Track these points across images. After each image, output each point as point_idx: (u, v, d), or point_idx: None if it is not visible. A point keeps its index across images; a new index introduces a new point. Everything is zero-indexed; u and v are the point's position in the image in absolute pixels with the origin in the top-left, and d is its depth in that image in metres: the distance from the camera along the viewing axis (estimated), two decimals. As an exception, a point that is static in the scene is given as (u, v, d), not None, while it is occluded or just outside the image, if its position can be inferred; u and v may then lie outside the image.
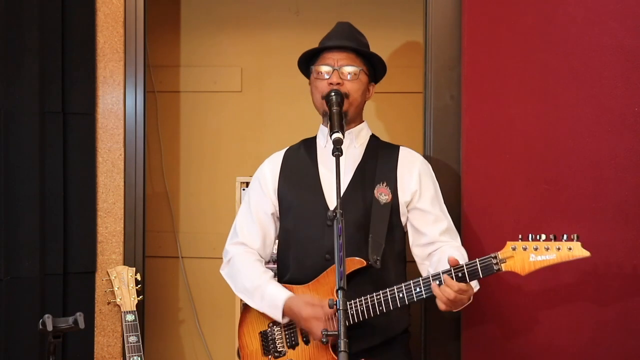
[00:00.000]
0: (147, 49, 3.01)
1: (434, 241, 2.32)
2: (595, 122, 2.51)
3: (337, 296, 1.87)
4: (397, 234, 2.34)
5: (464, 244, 2.40)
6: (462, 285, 2.06)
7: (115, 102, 2.94)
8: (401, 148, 2.44)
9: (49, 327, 1.85)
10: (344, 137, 2.16)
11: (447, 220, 2.36)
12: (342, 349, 1.79)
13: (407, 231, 2.39)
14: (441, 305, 2.10)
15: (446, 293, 2.06)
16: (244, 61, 3.82)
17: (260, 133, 3.82)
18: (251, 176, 3.26)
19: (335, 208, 1.98)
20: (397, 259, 2.36)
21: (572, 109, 2.54)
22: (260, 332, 2.36)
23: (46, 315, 1.86)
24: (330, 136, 2.16)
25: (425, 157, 2.76)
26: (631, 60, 2.47)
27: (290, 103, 3.75)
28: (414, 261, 2.43)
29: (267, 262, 2.50)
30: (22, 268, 2.77)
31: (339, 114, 2.23)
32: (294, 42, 3.76)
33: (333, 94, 2.26)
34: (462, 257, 2.25)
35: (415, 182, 2.34)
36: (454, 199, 2.54)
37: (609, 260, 2.46)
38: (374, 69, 2.43)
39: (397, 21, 3.63)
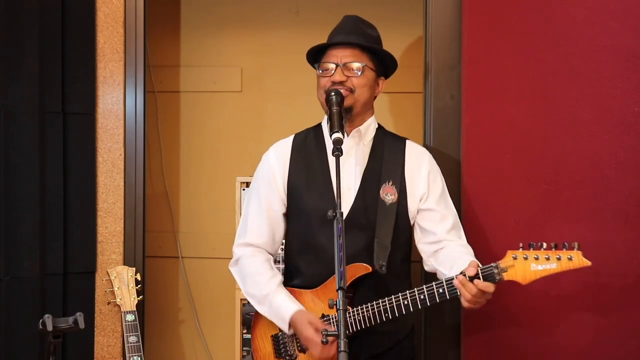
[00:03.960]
0: (147, 49, 3.01)
1: (441, 239, 2.31)
2: (595, 122, 2.51)
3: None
4: (403, 235, 2.33)
5: (464, 244, 2.40)
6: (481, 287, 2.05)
7: (115, 102, 2.93)
8: (407, 143, 2.41)
9: (49, 327, 1.85)
10: (344, 136, 2.15)
11: (452, 216, 2.36)
12: (342, 349, 1.79)
13: (413, 228, 2.37)
14: (465, 303, 2.09)
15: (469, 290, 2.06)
16: (244, 61, 3.82)
17: (260, 133, 3.81)
18: (251, 176, 3.26)
19: (335, 209, 1.97)
20: (403, 259, 2.35)
21: (572, 109, 2.54)
22: (272, 335, 2.35)
23: (46, 315, 1.86)
24: (330, 136, 2.15)
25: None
26: (631, 60, 2.47)
27: (290, 103, 3.75)
28: (415, 261, 2.43)
29: (275, 262, 2.48)
30: (22, 268, 2.77)
31: (339, 113, 2.21)
32: (294, 42, 3.77)
33: (333, 93, 2.24)
34: (469, 254, 2.26)
35: (424, 184, 2.33)
36: (454, 198, 2.53)
37: (609, 260, 2.46)
38: (383, 62, 2.39)
39: (397, 21, 3.63)
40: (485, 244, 2.57)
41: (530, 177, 2.57)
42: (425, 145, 2.82)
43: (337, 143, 2.10)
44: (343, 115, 2.23)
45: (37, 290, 2.78)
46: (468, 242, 2.37)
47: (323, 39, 2.41)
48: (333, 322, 2.23)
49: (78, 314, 1.89)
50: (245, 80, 3.83)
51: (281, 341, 2.33)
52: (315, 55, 2.39)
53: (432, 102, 2.78)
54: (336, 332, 1.85)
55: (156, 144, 3.79)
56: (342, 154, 2.09)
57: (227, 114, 3.83)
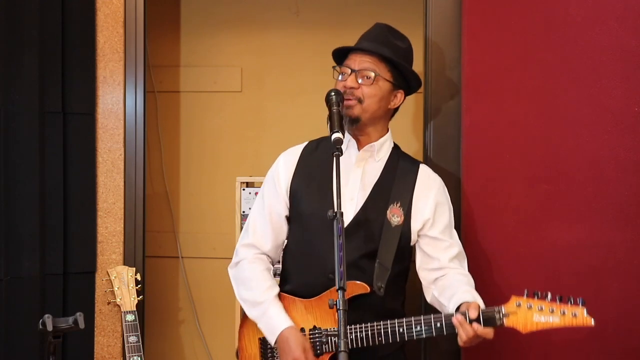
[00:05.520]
0: (147, 49, 3.02)
1: (443, 267, 2.29)
2: (595, 122, 2.51)
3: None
4: (403, 255, 2.31)
5: (464, 245, 2.39)
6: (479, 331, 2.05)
7: (115, 102, 2.94)
8: (421, 167, 2.38)
9: (49, 327, 1.85)
10: (344, 136, 2.14)
11: (457, 246, 2.33)
12: (342, 349, 1.79)
13: (414, 251, 2.35)
14: (460, 342, 2.08)
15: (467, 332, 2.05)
16: (244, 61, 3.82)
17: (260, 133, 3.82)
18: (251, 176, 3.26)
19: (336, 208, 1.97)
20: (399, 276, 2.34)
21: (572, 109, 2.54)
22: (260, 338, 2.33)
23: (46, 315, 1.86)
24: (330, 136, 2.14)
25: (425, 157, 2.76)
26: (631, 60, 2.47)
27: (290, 103, 3.75)
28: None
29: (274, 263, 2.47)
30: (22, 268, 2.77)
31: (339, 113, 2.19)
32: (293, 42, 3.76)
33: (333, 93, 2.22)
34: (469, 284, 2.25)
35: (430, 210, 2.30)
36: (454, 199, 2.53)
37: (609, 260, 2.46)
38: (404, 76, 2.34)
39: (397, 21, 3.60)
40: (485, 244, 2.57)
41: (530, 177, 2.57)
42: (425, 146, 2.82)
43: (337, 143, 2.09)
44: (343, 115, 2.22)
45: (37, 290, 2.78)
46: (468, 243, 2.37)
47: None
48: (323, 336, 2.19)
49: (78, 314, 1.89)
50: (245, 80, 3.83)
51: (268, 345, 2.30)
52: (340, 58, 2.37)
53: (432, 102, 2.78)
54: (336, 332, 1.85)
55: (156, 144, 3.79)
56: (341, 153, 2.09)
57: (227, 114, 3.83)
